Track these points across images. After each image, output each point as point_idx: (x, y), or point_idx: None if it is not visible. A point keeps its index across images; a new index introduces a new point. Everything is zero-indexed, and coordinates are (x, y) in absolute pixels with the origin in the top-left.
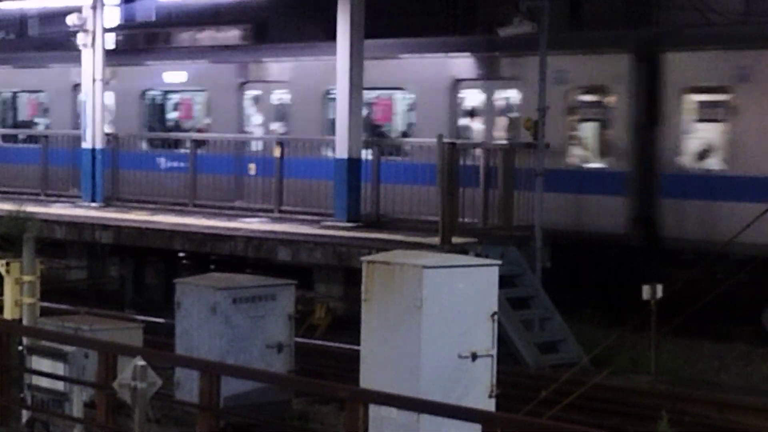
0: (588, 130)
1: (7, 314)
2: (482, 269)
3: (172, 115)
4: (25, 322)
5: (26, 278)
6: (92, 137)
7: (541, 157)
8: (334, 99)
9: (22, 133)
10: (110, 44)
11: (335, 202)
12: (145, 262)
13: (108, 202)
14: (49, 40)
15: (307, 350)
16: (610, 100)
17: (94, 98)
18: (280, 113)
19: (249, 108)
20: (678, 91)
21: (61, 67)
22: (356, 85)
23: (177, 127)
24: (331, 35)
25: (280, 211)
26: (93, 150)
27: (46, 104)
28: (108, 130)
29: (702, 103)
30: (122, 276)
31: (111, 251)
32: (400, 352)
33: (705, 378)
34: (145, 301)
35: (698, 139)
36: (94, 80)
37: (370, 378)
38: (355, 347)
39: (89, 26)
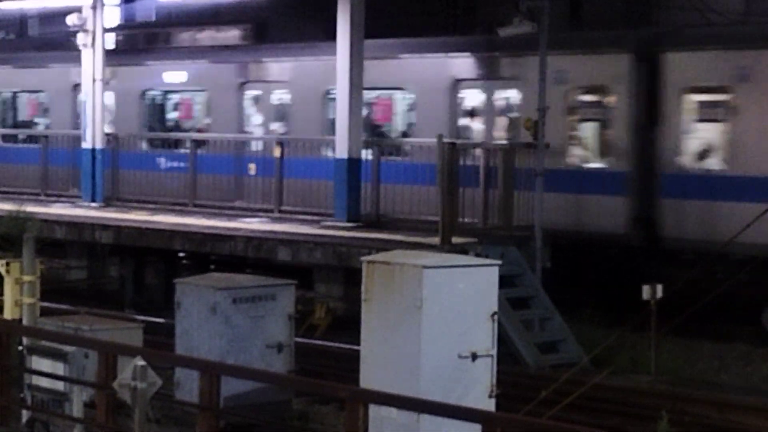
0: (588, 130)
1: (7, 314)
2: (482, 269)
3: (172, 115)
4: (25, 322)
5: (26, 278)
6: (92, 137)
7: (541, 157)
8: (334, 99)
9: (22, 133)
10: (110, 44)
11: (335, 202)
12: (145, 262)
13: (108, 202)
14: (49, 39)
15: (307, 350)
16: (610, 100)
17: (94, 98)
18: (280, 113)
19: (249, 108)
20: (678, 91)
21: (61, 67)
22: (356, 85)
23: (177, 127)
24: (331, 35)
25: (280, 211)
26: (93, 150)
27: (47, 104)
28: (108, 130)
29: (702, 103)
30: (122, 276)
31: (111, 251)
32: (400, 352)
33: (705, 378)
34: (145, 301)
35: (698, 139)
36: (94, 80)
37: (370, 378)
38: (355, 347)
39: (89, 26)
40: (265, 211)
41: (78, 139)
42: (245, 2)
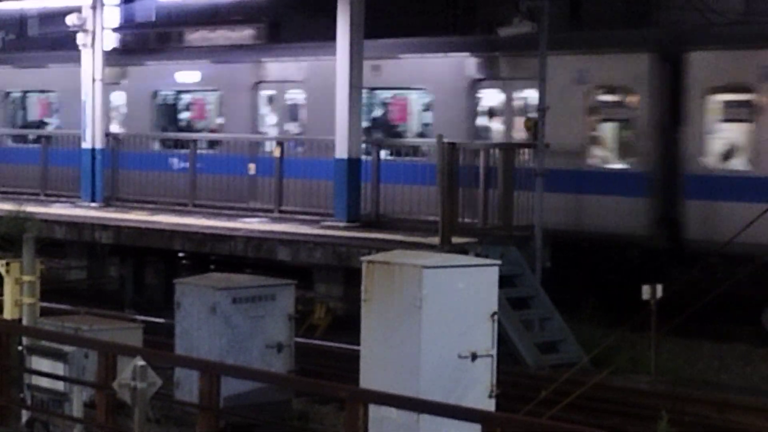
0: (609, 131)
1: (7, 314)
2: (482, 269)
3: (184, 116)
4: (25, 322)
5: (26, 278)
6: (92, 137)
7: (542, 157)
8: None
9: (28, 133)
10: (110, 44)
11: (335, 202)
12: (145, 262)
13: (108, 202)
14: (53, 39)
15: (307, 350)
16: (633, 99)
17: (93, 98)
18: (294, 113)
19: (263, 108)
20: (702, 91)
21: (70, 67)
22: (356, 85)
23: (189, 127)
24: None
25: (280, 211)
26: (93, 150)
27: (56, 104)
28: (119, 130)
29: (726, 103)
30: (122, 276)
31: (111, 251)
32: (400, 352)
33: (705, 378)
34: (145, 301)
35: (722, 140)
36: (93, 80)
37: (370, 378)
38: (355, 347)
39: (89, 26)
40: (265, 211)
41: None
42: (258, 1)
